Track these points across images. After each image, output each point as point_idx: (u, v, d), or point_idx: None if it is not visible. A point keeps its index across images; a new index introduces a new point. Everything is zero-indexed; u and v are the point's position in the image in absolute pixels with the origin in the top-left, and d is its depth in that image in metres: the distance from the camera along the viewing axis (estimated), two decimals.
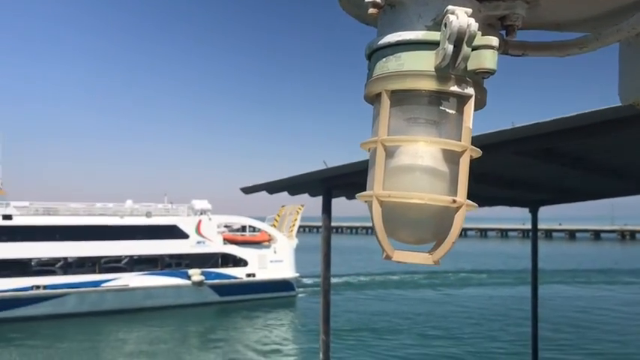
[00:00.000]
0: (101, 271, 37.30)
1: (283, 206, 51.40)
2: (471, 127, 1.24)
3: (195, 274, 39.84)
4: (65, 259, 36.50)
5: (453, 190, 1.23)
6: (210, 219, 41.73)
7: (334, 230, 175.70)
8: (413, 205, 1.23)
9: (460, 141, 1.23)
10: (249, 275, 42.49)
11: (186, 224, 40.61)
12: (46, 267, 36.43)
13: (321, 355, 4.01)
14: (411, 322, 35.11)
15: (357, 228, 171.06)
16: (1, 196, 37.32)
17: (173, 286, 39.17)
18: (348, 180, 3.37)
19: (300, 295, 45.46)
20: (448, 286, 52.45)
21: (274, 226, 48.92)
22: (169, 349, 29.04)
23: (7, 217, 35.19)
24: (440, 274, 60.37)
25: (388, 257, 1.28)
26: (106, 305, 36.77)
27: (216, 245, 41.45)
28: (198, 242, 40.72)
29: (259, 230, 44.72)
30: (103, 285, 36.92)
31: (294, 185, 4.30)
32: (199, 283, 39.96)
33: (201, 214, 41.82)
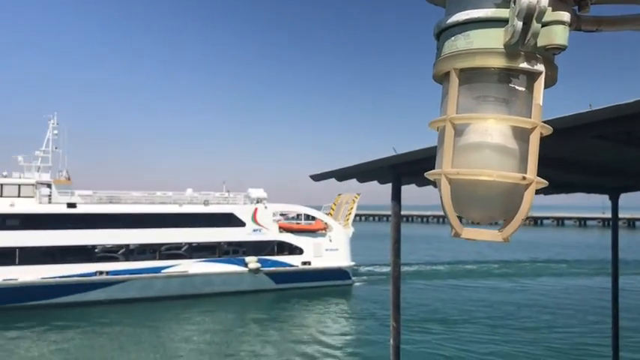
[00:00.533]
0: (161, 258, 38.19)
1: (339, 195, 51.24)
2: (541, 104, 1.23)
3: (252, 261, 40.28)
4: (127, 246, 37.53)
5: (523, 168, 1.23)
6: (265, 207, 42.00)
7: (404, 219, 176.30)
8: (482, 183, 1.23)
9: (530, 118, 1.23)
10: (304, 263, 42.59)
11: (242, 212, 41.02)
12: (109, 253, 37.59)
13: (391, 341, 3.84)
14: (482, 312, 34.17)
15: (428, 217, 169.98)
16: (67, 186, 38.63)
17: (230, 272, 39.72)
18: (418, 166, 3.13)
19: (356, 284, 45.27)
20: (522, 276, 50.83)
21: (330, 214, 48.86)
22: (228, 334, 29.40)
23: (72, 205, 36.42)
24: (514, 264, 59.02)
25: (457, 235, 1.30)
26: (166, 291, 37.65)
27: (271, 233, 41.71)
28: (255, 230, 41.08)
29: (315, 219, 44.65)
30: (163, 271, 37.81)
31: (363, 172, 4.06)
32: (256, 271, 40.37)
33: (257, 202, 42.14)
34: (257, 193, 42.56)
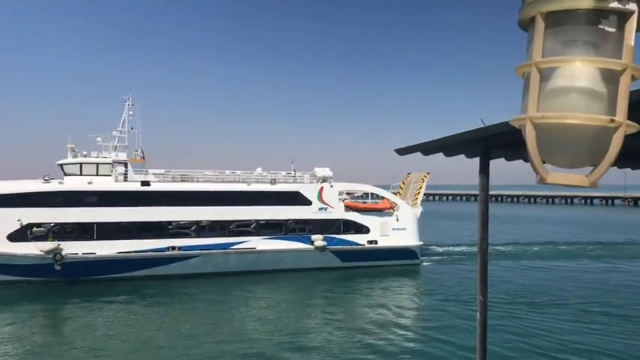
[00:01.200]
0: (230, 235, 39.04)
1: (409, 174, 50.60)
2: (632, 44, 1.18)
3: (318, 239, 40.52)
4: (198, 222, 38.57)
5: (611, 111, 1.18)
6: (331, 186, 42.02)
7: (492, 199, 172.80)
8: (568, 126, 1.20)
9: (620, 60, 1.18)
10: (370, 242, 42.45)
11: (308, 191, 41.22)
12: (181, 230, 38.75)
13: (478, 316, 3.62)
14: (572, 295, 32.75)
15: (518, 197, 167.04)
16: (141, 164, 39.95)
17: (297, 250, 40.14)
18: (508, 139, 2.89)
19: (424, 264, 44.77)
20: (618, 259, 48.62)
21: (399, 193, 48.40)
22: (294, 310, 29.78)
23: (146, 183, 37.69)
24: (611, 246, 56.79)
25: (542, 180, 1.29)
26: (235, 267, 38.52)
27: (337, 212, 41.75)
28: (320, 209, 41.24)
29: (381, 198, 44.32)
30: (232, 247, 38.67)
31: (449, 145, 3.81)
32: (322, 249, 40.60)
33: (323, 181, 42.19)
34: (323, 172, 42.59)
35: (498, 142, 5.13)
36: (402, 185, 49.58)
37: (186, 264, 37.43)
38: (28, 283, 34.10)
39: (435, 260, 46.94)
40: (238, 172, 41.41)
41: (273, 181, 41.02)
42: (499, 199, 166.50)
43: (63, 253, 34.43)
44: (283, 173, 42.64)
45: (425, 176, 48.02)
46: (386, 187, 48.34)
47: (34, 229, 35.17)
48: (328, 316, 28.34)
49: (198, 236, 38.30)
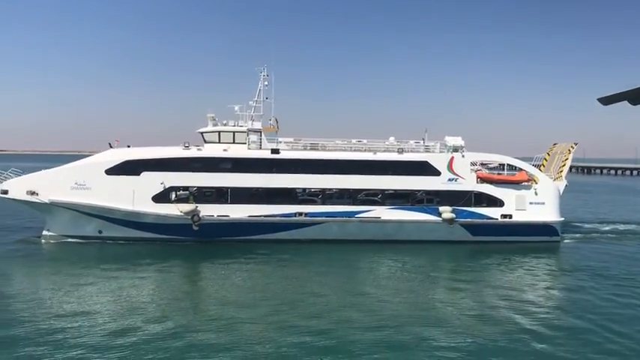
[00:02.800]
0: (356, 203, 39.33)
1: (554, 144, 46.82)
2: None
3: (446, 211, 39.19)
4: (324, 190, 39.41)
5: None
6: (463, 156, 40.21)
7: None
8: None
9: None
10: (504, 216, 40.08)
11: (437, 161, 39.90)
12: (308, 197, 39.91)
13: None
14: None
15: None
16: (273, 133, 41.64)
17: (423, 221, 39.26)
18: None
19: (565, 242, 41.32)
20: None
21: (542, 166, 45.01)
22: (416, 282, 29.16)
23: (275, 151, 39.26)
24: None
25: None
26: (359, 235, 38.82)
27: (468, 183, 39.93)
28: (450, 179, 39.75)
29: (519, 169, 41.47)
30: (357, 216, 38.97)
31: None
32: (450, 221, 39.23)
33: (455, 151, 40.51)
34: (454, 140, 40.83)
35: None
36: (547, 157, 45.90)
37: (312, 229, 38.54)
38: (169, 242, 37.68)
39: (579, 238, 43.03)
40: (364, 141, 41.34)
41: (400, 150, 40.33)
42: None
43: (200, 215, 37.37)
44: (412, 142, 41.68)
45: (572, 147, 43.98)
46: (528, 160, 45.15)
47: (180, 192, 38.57)
48: (455, 291, 27.30)
49: (324, 203, 39.16)
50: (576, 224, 49.67)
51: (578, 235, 44.04)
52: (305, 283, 28.31)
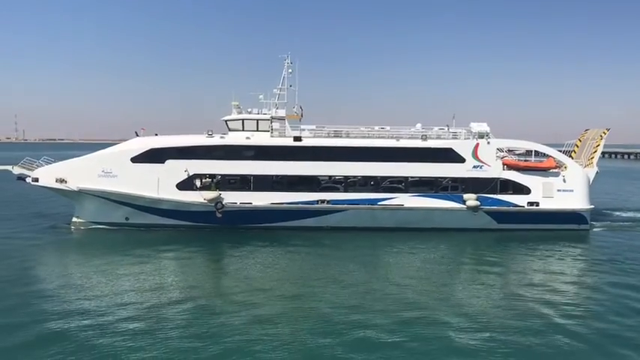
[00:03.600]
0: (378, 191, 39.11)
1: (586, 130, 45.60)
2: None
3: (470, 198, 38.65)
4: (346, 177, 39.28)
5: None
6: (488, 142, 39.48)
7: None
8: None
9: None
10: (531, 204, 39.30)
11: (462, 147, 39.28)
12: (330, 184, 39.84)
13: None
14: None
15: None
16: (297, 120, 41.59)
17: (447, 209, 38.81)
18: None
19: (595, 230, 40.30)
20: None
21: (574, 152, 43.89)
22: (440, 270, 28.92)
23: (297, 138, 39.25)
24: None
25: None
26: (382, 222, 38.65)
27: (494, 170, 39.23)
28: (475, 166, 39.12)
29: (547, 156, 40.50)
30: (379, 203, 38.77)
31: None
32: (474, 209, 38.69)
33: (480, 137, 39.80)
34: (479, 127, 40.10)
35: None
36: (578, 143, 44.70)
37: (334, 217, 38.54)
38: (193, 228, 38.25)
39: (611, 227, 41.87)
40: (387, 128, 40.95)
41: (424, 137, 39.83)
42: None
43: (223, 202, 37.78)
44: (436, 129, 41.10)
45: (604, 133, 42.75)
46: (557, 146, 44.01)
47: (205, 179, 39.00)
48: (479, 279, 26.99)
49: (346, 191, 39.05)
50: (609, 212, 48.36)
51: (610, 224, 42.87)
52: (327, 269, 28.51)
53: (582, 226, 39.76)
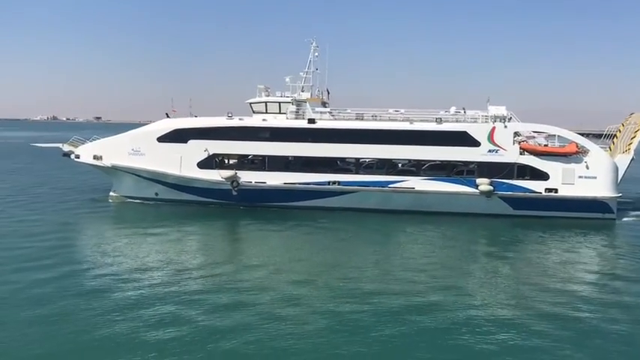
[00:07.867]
0: (389, 173, 39.40)
1: (631, 114, 42.92)
2: None
3: (484, 183, 37.96)
4: (358, 159, 39.93)
5: None
6: (505, 126, 38.47)
7: None
8: None
9: None
10: (549, 190, 37.96)
11: (477, 131, 38.57)
12: (342, 165, 40.66)
13: None
14: None
15: None
16: (317, 103, 42.67)
17: (459, 193, 38.42)
18: None
19: (624, 220, 38.19)
20: None
21: (615, 138, 41.60)
22: (451, 255, 28.87)
23: (311, 121, 40.36)
24: None
25: None
26: (392, 205, 38.96)
27: (510, 155, 38.21)
28: (490, 151, 38.32)
29: (570, 141, 38.77)
30: (390, 186, 39.09)
31: None
32: (487, 194, 38.00)
33: (497, 121, 38.86)
34: (497, 110, 39.08)
35: None
36: (621, 128, 42.16)
37: (346, 198, 39.37)
38: (211, 204, 40.63)
39: (637, 216, 39.32)
40: (402, 111, 40.96)
41: (438, 120, 39.47)
42: None
43: (239, 181, 39.84)
44: (452, 111, 40.56)
45: None
46: (597, 134, 41.75)
47: (224, 159, 41.28)
48: (490, 268, 26.38)
49: (357, 173, 39.69)
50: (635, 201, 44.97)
51: (636, 212, 40.24)
52: (337, 251, 29.27)
53: (607, 216, 37.84)
